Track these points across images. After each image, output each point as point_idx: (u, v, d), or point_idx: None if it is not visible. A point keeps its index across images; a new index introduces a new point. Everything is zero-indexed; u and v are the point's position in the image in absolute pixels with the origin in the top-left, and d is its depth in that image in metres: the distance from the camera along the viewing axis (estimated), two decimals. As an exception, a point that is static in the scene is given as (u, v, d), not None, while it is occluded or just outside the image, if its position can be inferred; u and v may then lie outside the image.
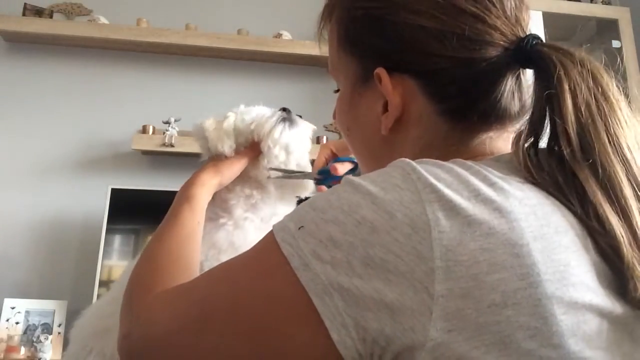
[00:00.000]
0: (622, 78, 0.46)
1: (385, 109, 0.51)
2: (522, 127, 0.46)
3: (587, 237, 0.40)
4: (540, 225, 0.39)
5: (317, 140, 2.12)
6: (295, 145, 0.89)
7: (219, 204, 0.87)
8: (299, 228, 0.40)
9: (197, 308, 0.45)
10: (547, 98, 0.44)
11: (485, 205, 0.38)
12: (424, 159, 0.42)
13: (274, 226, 0.43)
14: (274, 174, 0.86)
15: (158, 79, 2.22)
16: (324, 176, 0.82)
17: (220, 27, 2.21)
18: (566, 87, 0.43)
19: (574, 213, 0.41)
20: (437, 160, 0.42)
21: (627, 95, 0.45)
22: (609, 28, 2.36)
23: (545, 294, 0.36)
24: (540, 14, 2.18)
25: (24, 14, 2.11)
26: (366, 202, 0.39)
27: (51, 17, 2.15)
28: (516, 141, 0.45)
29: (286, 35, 2.27)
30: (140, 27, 2.14)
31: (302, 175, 0.87)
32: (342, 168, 0.81)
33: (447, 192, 0.38)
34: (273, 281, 0.41)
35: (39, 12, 2.13)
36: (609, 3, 2.51)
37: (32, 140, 2.09)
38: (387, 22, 0.49)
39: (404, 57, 0.49)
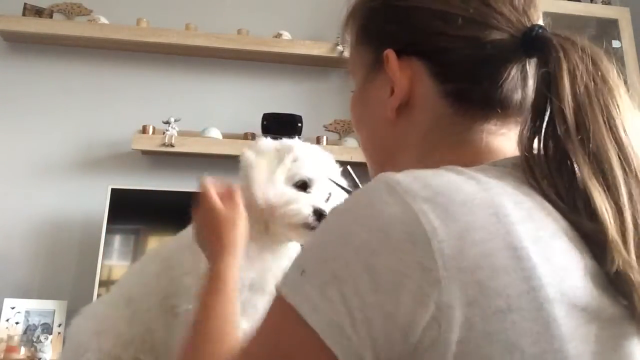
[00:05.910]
0: (621, 78, 0.46)
1: (393, 93, 0.52)
2: (526, 118, 0.46)
3: (581, 240, 0.40)
4: (536, 228, 0.38)
5: (317, 140, 2.11)
6: None
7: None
8: (301, 273, 0.39)
9: None
10: (546, 78, 0.44)
11: (481, 210, 0.38)
12: (412, 170, 0.42)
13: (276, 288, 0.41)
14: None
15: (158, 79, 2.22)
16: None
17: (220, 27, 2.21)
18: (564, 67, 0.43)
19: (566, 217, 0.41)
20: (425, 169, 0.42)
21: (628, 90, 0.46)
22: (609, 28, 2.36)
23: (547, 298, 0.36)
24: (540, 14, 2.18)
25: (24, 14, 2.11)
26: (357, 226, 0.38)
27: (51, 17, 2.15)
28: (520, 132, 0.45)
29: (286, 35, 2.27)
30: (140, 27, 2.14)
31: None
32: None
33: (440, 199, 0.38)
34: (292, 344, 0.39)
35: (39, 12, 2.13)
36: (609, 3, 2.51)
37: (32, 140, 2.09)
38: (399, 8, 0.52)
39: (411, 38, 0.51)
